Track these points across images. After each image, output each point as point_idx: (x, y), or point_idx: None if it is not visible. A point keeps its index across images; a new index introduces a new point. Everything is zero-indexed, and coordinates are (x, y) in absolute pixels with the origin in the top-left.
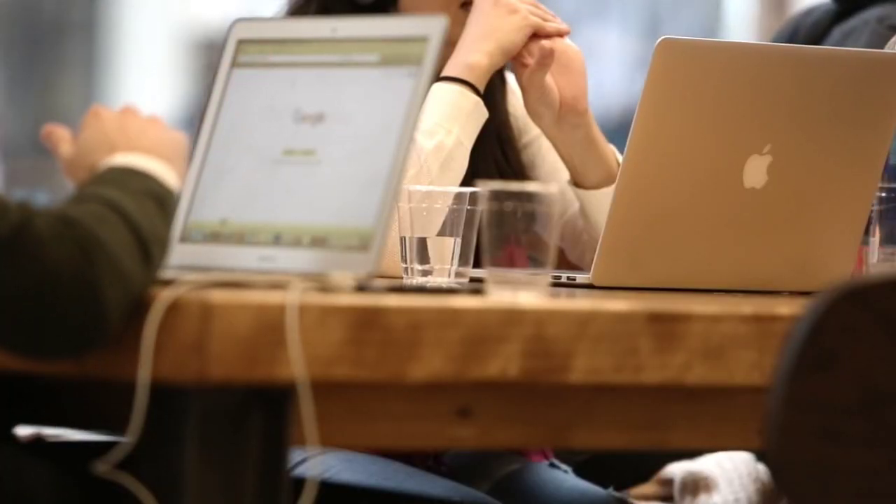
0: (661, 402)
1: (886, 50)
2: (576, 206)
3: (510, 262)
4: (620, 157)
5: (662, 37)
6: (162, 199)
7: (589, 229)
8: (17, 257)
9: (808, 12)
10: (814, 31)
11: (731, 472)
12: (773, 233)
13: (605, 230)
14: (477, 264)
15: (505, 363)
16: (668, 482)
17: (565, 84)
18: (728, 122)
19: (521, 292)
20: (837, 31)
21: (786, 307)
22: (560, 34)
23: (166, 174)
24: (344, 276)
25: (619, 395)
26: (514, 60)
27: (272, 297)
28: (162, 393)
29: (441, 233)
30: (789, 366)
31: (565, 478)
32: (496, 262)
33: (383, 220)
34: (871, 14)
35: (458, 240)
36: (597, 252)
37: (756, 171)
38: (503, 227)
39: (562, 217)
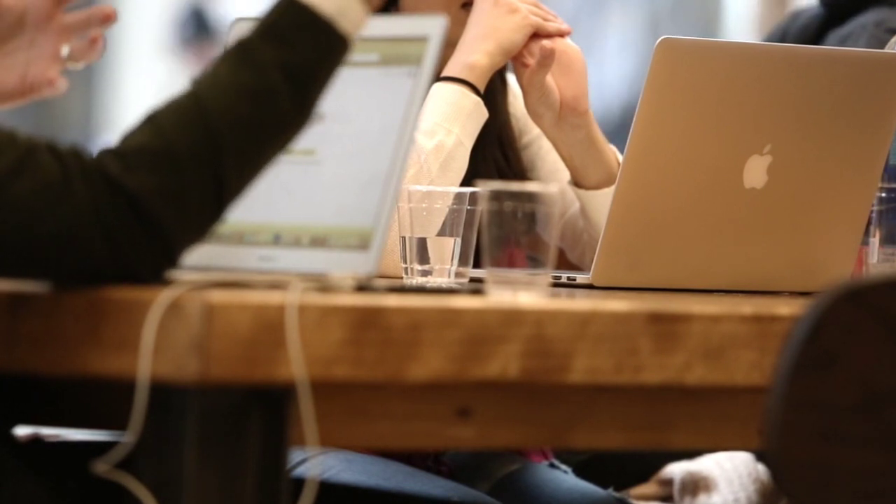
0: (661, 402)
1: (886, 50)
2: (576, 206)
3: (510, 263)
4: (621, 158)
5: (662, 37)
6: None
7: (589, 229)
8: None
9: (795, 16)
10: (802, 35)
11: (730, 472)
12: (773, 233)
13: (605, 230)
14: (477, 264)
15: (505, 363)
16: (668, 482)
17: (566, 84)
18: (728, 122)
19: (521, 292)
20: (833, 36)
21: (786, 307)
22: (561, 34)
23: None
24: (344, 276)
25: (619, 395)
26: (515, 60)
27: (272, 297)
28: (162, 393)
29: (441, 233)
30: (789, 366)
31: (565, 478)
32: (496, 262)
33: (383, 219)
34: (867, 18)
35: (458, 240)
36: (597, 252)
37: (756, 171)
38: (503, 228)
39: (562, 217)
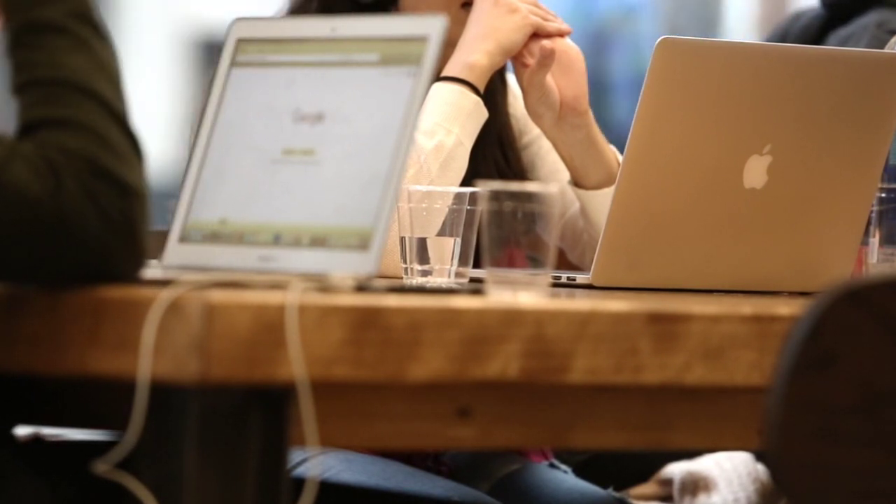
0: (661, 402)
1: (886, 50)
2: (576, 206)
3: (510, 263)
4: (621, 158)
5: (662, 37)
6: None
7: (589, 229)
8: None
9: (797, 17)
10: (803, 35)
11: (730, 472)
12: (773, 233)
13: (605, 230)
14: (477, 264)
15: (505, 363)
16: (668, 482)
17: (566, 84)
18: (728, 122)
19: (521, 292)
20: (834, 37)
21: (786, 307)
22: (561, 34)
23: None
24: (344, 276)
25: (618, 395)
26: (515, 60)
27: (272, 298)
28: (162, 393)
29: (441, 233)
30: (789, 366)
31: (565, 478)
32: (496, 262)
33: (383, 219)
34: (868, 19)
35: (458, 240)
36: (597, 252)
37: (756, 171)
38: (503, 228)
39: (562, 217)
